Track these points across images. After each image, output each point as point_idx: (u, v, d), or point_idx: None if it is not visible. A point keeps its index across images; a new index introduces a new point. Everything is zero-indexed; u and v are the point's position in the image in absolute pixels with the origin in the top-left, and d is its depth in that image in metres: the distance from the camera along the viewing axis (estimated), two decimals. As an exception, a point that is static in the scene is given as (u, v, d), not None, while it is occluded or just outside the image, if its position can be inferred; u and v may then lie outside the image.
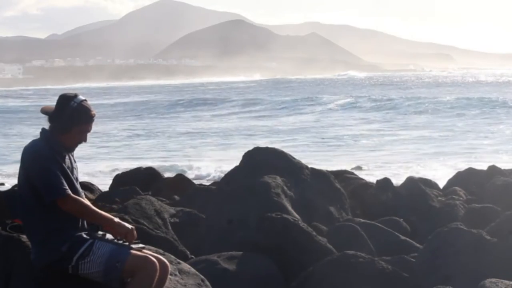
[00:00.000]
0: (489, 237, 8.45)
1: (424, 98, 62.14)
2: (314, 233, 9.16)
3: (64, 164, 5.29)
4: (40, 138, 5.34)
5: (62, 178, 5.22)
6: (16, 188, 10.35)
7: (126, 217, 9.27)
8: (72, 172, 5.36)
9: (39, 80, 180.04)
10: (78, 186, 5.41)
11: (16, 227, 6.02)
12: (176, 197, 13.40)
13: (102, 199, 13.36)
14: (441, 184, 15.86)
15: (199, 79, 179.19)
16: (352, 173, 16.17)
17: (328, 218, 10.89)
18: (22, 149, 5.39)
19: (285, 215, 9.24)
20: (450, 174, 17.34)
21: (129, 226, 5.34)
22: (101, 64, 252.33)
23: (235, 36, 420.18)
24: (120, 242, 5.30)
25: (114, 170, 23.61)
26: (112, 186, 16.13)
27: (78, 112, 5.29)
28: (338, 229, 9.93)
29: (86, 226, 5.38)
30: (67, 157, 5.37)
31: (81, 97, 5.35)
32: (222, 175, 14.99)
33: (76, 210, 5.23)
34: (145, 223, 9.69)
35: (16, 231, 6.02)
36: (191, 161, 26.94)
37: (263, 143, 31.53)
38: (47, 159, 5.21)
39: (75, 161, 5.49)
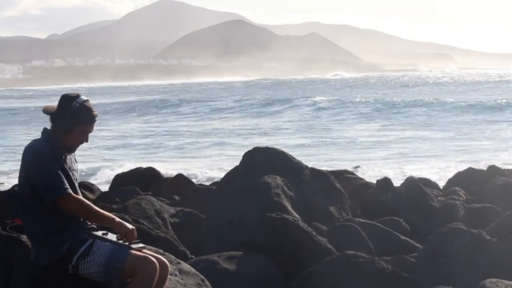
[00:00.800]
0: (489, 237, 8.44)
1: (423, 98, 62.15)
2: (314, 233, 9.15)
3: (65, 164, 5.29)
4: (41, 138, 5.34)
5: (63, 177, 5.21)
6: (16, 188, 10.34)
7: (126, 217, 9.26)
8: (72, 172, 5.36)
9: (39, 80, 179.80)
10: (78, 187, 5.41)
11: (16, 227, 6.00)
12: (176, 197, 13.40)
13: (102, 199, 13.34)
14: (441, 184, 15.87)
15: (199, 79, 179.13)
16: (352, 173, 16.18)
17: (328, 218, 10.89)
18: (22, 149, 5.39)
19: (285, 215, 9.23)
20: (450, 174, 17.36)
21: (130, 226, 5.33)
22: (101, 64, 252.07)
23: (235, 36, 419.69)
24: (120, 242, 5.30)
25: (114, 170, 23.60)
26: (112, 186, 16.13)
27: (80, 113, 5.28)
28: (338, 229, 9.93)
29: (86, 225, 5.38)
30: (68, 157, 5.37)
31: (84, 97, 5.34)
32: (221, 175, 14.99)
33: (77, 209, 5.22)
34: (145, 223, 9.68)
35: (16, 231, 6.01)
36: (190, 161, 26.93)
37: (262, 142, 31.56)
38: (48, 159, 5.20)
39: (76, 161, 5.49)
